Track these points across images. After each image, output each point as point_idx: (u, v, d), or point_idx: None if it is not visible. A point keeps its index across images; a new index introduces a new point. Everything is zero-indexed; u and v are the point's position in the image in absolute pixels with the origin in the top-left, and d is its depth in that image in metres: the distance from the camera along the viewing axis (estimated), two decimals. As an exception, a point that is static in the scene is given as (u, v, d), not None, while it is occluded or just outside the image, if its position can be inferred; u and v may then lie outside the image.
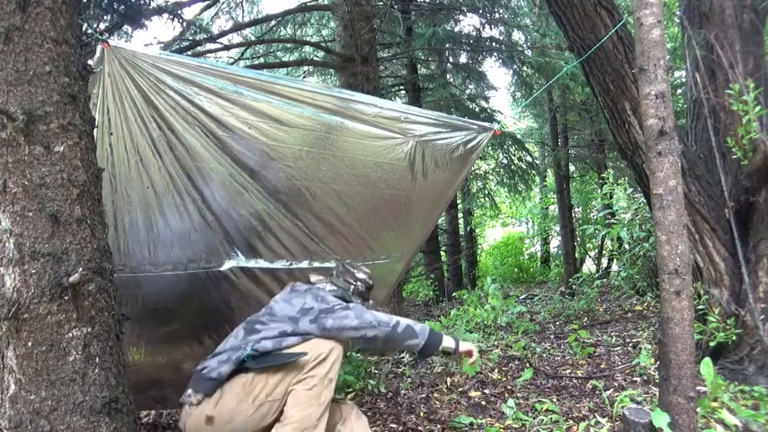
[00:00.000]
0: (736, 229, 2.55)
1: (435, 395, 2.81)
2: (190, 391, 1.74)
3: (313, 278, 2.14)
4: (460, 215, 10.86)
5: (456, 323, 4.56)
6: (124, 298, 2.03)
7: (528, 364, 3.25)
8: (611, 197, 5.85)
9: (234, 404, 1.67)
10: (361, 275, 2.18)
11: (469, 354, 1.99)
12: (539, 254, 12.58)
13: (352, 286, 2.13)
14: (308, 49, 7.19)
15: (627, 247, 4.84)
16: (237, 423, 1.68)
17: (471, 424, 2.36)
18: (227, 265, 2.22)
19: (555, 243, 11.37)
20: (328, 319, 1.79)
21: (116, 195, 1.89)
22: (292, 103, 2.02)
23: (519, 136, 9.75)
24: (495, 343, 3.99)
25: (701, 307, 2.60)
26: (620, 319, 4.76)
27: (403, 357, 3.52)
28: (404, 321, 1.86)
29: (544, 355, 3.57)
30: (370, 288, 2.23)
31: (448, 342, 1.91)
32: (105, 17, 3.23)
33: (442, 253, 9.34)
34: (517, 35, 7.45)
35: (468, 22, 13.99)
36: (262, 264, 2.30)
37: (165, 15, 3.61)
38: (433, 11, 6.92)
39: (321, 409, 1.68)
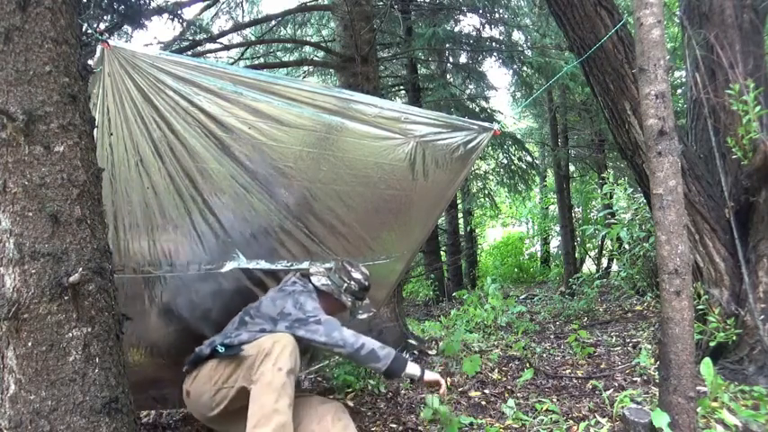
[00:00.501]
0: (736, 229, 2.55)
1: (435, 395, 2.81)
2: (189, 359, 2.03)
3: (312, 269, 2.25)
4: (460, 215, 10.86)
5: (456, 323, 4.57)
6: (124, 299, 2.03)
7: (528, 364, 3.25)
8: (611, 197, 5.86)
9: (202, 383, 1.93)
10: (356, 275, 2.22)
11: (435, 384, 2.04)
12: (539, 254, 12.57)
13: (345, 284, 2.19)
14: (308, 49, 7.18)
15: (627, 247, 4.84)
16: (204, 399, 1.93)
17: (471, 424, 2.36)
18: (228, 266, 2.21)
19: (555, 243, 11.36)
20: (300, 329, 1.93)
21: (116, 195, 1.88)
22: (292, 103, 2.01)
23: (519, 136, 9.74)
24: (495, 343, 3.99)
25: (701, 307, 2.60)
26: (620, 319, 4.76)
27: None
28: (369, 345, 1.93)
29: (544, 355, 3.57)
30: (365, 289, 2.25)
31: (412, 369, 1.99)
32: (105, 17, 3.22)
33: (442, 253, 9.34)
34: (517, 35, 7.44)
35: (468, 22, 13.95)
36: (263, 265, 2.30)
37: (165, 15, 3.60)
38: (433, 11, 6.91)
39: (275, 394, 1.72)
